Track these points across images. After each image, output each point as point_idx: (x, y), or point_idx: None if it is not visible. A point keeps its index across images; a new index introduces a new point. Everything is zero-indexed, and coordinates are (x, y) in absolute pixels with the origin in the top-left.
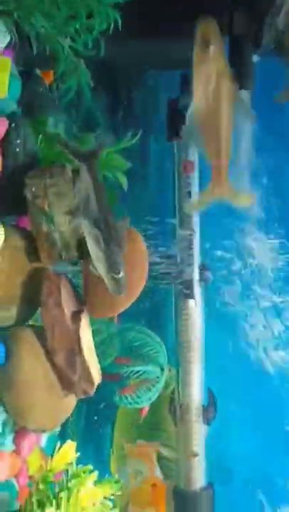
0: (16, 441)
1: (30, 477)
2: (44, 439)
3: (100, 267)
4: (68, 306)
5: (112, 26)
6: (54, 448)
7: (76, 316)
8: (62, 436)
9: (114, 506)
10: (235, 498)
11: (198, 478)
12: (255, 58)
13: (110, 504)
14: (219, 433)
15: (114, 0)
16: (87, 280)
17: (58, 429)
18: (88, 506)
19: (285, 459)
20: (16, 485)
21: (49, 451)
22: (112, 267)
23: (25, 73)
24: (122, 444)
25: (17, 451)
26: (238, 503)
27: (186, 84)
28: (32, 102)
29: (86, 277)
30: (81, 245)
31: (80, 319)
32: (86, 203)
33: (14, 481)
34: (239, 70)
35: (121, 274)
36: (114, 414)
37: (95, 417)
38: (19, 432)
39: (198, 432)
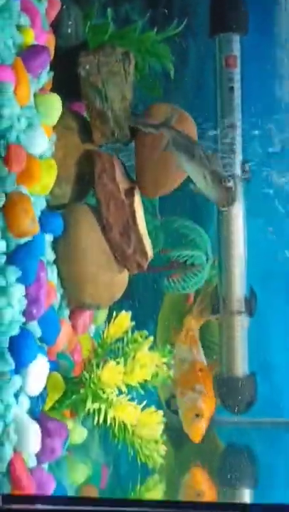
0: (72, 319)
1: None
2: (93, 329)
3: (206, 181)
4: (122, 181)
5: None
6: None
7: (130, 192)
8: None
9: (169, 369)
10: (275, 388)
11: (242, 366)
12: None
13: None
14: (261, 327)
15: None
16: (140, 159)
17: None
18: (147, 365)
19: None
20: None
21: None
22: (221, 176)
23: None
24: (166, 329)
25: (73, 328)
26: (279, 392)
27: None
28: None
29: (139, 157)
30: (132, 126)
31: (133, 194)
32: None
33: (70, 356)
34: None
35: (231, 183)
36: (158, 308)
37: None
38: (75, 311)
39: (241, 324)
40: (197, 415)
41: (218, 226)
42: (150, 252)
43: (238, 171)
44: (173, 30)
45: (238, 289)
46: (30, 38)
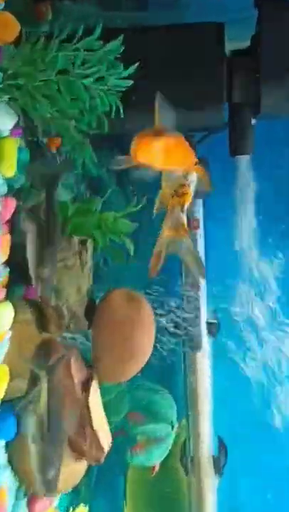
0: (30, 506)
1: None
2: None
3: None
4: (77, 375)
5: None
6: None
7: (85, 384)
8: (75, 493)
9: None
10: None
11: None
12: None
13: None
14: (230, 484)
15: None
16: (96, 346)
17: None
18: None
19: None
20: None
21: (62, 508)
22: None
23: (34, 142)
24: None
25: None
26: None
27: None
28: (41, 171)
29: (95, 344)
30: (89, 314)
31: (89, 388)
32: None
33: None
34: (238, 136)
35: None
36: (125, 466)
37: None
38: (32, 497)
39: (210, 487)
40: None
41: (185, 383)
42: (108, 444)
43: (204, 328)
44: (133, 207)
45: (206, 448)
46: None
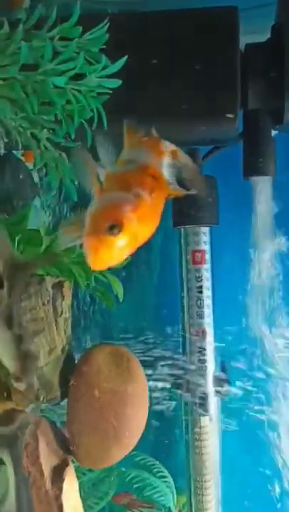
0: None
1: None
2: None
3: None
4: (48, 461)
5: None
6: None
7: (57, 474)
8: None
9: None
10: None
11: None
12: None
13: None
14: None
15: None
16: (73, 424)
17: None
18: None
19: None
20: None
21: None
22: None
23: (2, 157)
24: None
25: None
26: None
27: None
28: (9, 193)
29: (72, 420)
30: (65, 381)
31: (62, 479)
32: None
33: None
34: (255, 152)
35: None
36: None
37: None
38: None
39: None
40: (112, 227)
41: (188, 455)
42: None
43: (211, 386)
44: None
45: None
46: None
